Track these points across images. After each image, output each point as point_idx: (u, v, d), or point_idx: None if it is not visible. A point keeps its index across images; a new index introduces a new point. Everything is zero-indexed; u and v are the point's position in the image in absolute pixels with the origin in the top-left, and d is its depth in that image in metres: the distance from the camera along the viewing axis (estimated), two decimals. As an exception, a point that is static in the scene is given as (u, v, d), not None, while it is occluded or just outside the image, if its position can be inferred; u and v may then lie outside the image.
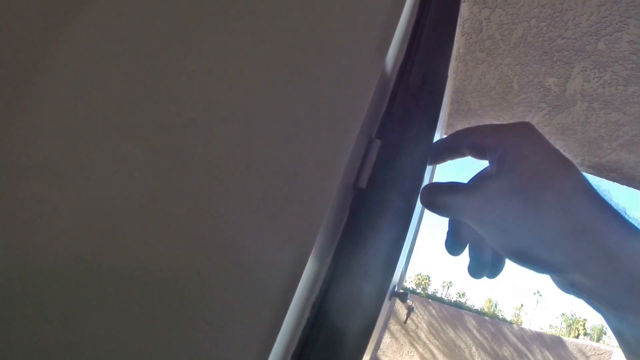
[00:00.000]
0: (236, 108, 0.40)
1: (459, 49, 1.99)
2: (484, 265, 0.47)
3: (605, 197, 0.39)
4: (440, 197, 0.43)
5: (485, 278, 0.48)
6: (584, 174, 0.41)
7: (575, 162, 2.63)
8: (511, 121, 2.38)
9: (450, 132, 2.41)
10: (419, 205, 0.44)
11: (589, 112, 2.13)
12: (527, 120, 2.32)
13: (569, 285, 0.40)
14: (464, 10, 1.73)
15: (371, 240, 0.40)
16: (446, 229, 0.48)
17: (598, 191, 0.39)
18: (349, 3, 0.43)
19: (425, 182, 0.49)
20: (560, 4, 1.54)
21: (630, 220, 0.37)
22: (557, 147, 0.42)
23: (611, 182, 2.75)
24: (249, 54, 0.42)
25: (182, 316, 0.36)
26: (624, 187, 2.75)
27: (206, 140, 0.40)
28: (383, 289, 0.41)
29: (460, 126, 2.69)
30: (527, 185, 0.39)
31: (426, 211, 2.71)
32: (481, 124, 1.90)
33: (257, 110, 0.40)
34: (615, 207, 0.38)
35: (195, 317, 0.36)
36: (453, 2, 0.53)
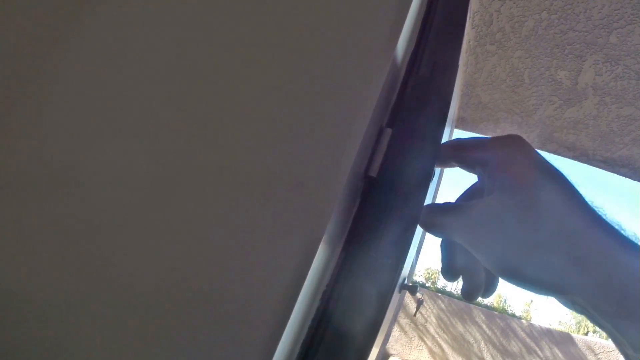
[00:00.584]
0: (248, 97, 0.41)
1: (469, 42, 1.98)
2: (478, 288, 0.46)
3: (599, 212, 0.37)
4: (434, 219, 0.43)
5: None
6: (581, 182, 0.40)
7: (587, 156, 2.61)
8: (522, 115, 2.37)
9: (461, 126, 2.40)
10: (429, 198, 0.44)
11: (601, 106, 2.11)
12: (538, 113, 2.31)
13: (570, 304, 0.39)
14: (474, 2, 1.71)
15: (382, 229, 0.40)
16: (439, 255, 0.48)
17: (592, 206, 0.38)
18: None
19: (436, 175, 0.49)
20: (572, -4, 1.53)
21: (625, 234, 0.36)
22: (546, 158, 0.41)
23: (623, 178, 2.72)
24: (260, 46, 0.42)
25: (191, 308, 0.36)
26: (636, 182, 2.72)
27: (217, 127, 0.40)
28: (393, 279, 0.41)
29: (470, 119, 2.68)
30: (519, 206, 0.38)
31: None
32: (492, 117, 1.89)
33: (269, 99, 0.40)
34: (610, 223, 0.37)
35: (205, 306, 0.36)
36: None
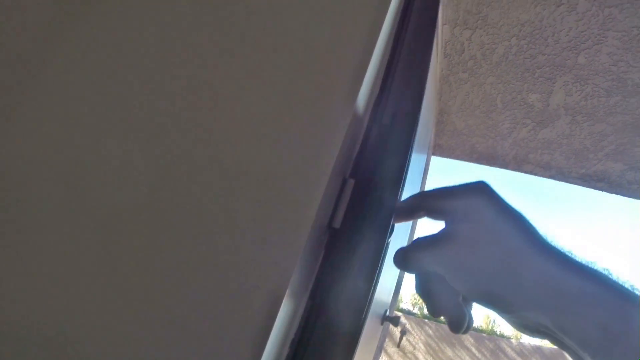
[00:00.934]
0: (211, 148, 0.41)
1: (442, 70, 2.02)
2: (464, 320, 0.47)
3: (562, 249, 0.41)
4: (409, 255, 0.44)
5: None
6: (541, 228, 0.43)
7: (563, 174, 2.65)
8: (496, 139, 2.40)
9: (438, 153, 2.42)
10: (407, 229, 0.45)
11: (573, 125, 2.16)
12: (512, 136, 2.35)
13: (536, 327, 0.42)
14: (445, 32, 1.75)
15: (346, 278, 0.40)
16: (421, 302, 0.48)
17: (552, 244, 0.41)
18: (320, 43, 0.43)
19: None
20: (540, 21, 1.57)
21: (585, 266, 0.40)
22: (511, 204, 0.44)
23: (600, 192, 2.77)
24: (223, 100, 0.42)
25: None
26: (612, 195, 2.77)
27: (181, 180, 0.40)
28: (359, 322, 0.41)
29: (447, 146, 2.72)
30: (481, 242, 0.41)
31: (417, 228, 2.71)
32: (467, 143, 1.91)
33: (232, 153, 0.41)
34: (571, 258, 0.40)
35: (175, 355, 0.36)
36: (427, 35, 0.54)
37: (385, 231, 0.41)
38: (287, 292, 0.36)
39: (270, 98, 0.42)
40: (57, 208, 0.41)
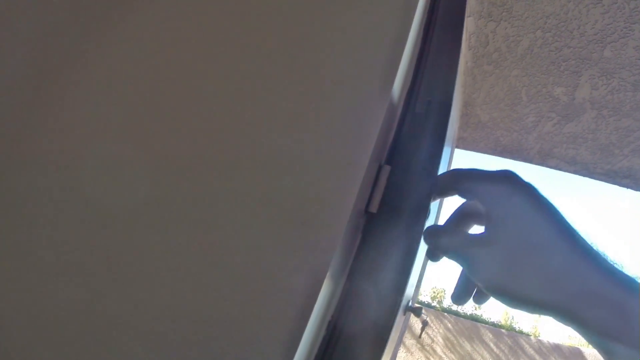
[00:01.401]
0: (252, 136, 0.42)
1: (466, 63, 2.00)
2: (468, 294, 0.49)
3: (587, 241, 0.42)
4: (442, 241, 0.45)
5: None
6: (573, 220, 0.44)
7: (588, 170, 2.62)
8: (521, 132, 2.38)
9: (461, 146, 2.41)
10: (435, 205, 0.46)
11: (599, 120, 2.13)
12: (537, 130, 2.33)
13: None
14: (470, 24, 1.74)
15: (382, 262, 0.41)
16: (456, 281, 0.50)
17: (581, 235, 0.42)
18: (354, 34, 0.44)
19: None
20: (565, 13, 1.55)
21: (604, 259, 0.41)
22: (542, 192, 0.44)
23: (625, 189, 2.73)
24: (267, 90, 0.44)
25: (198, 344, 0.38)
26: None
27: (228, 168, 0.42)
28: (394, 307, 0.42)
29: (471, 139, 2.70)
30: (514, 244, 0.42)
31: (439, 221, 2.70)
32: (491, 136, 1.90)
33: (275, 142, 0.42)
34: (596, 251, 0.41)
35: (214, 341, 0.37)
36: (456, 26, 0.54)
37: (423, 216, 0.42)
38: (328, 273, 0.37)
39: (313, 88, 0.43)
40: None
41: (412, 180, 0.43)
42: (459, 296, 0.48)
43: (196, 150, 0.42)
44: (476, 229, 0.49)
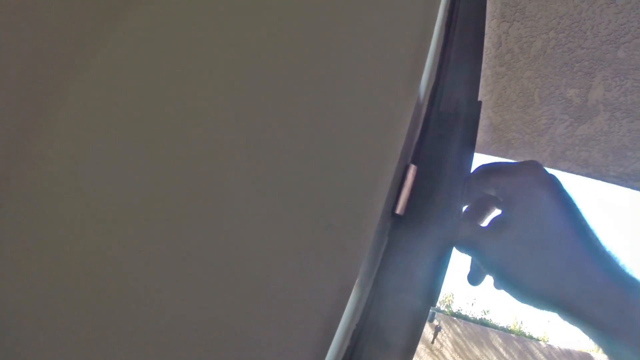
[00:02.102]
0: (278, 142, 0.41)
1: (477, 64, 1.99)
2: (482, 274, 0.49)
3: (600, 239, 0.42)
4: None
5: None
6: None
7: (600, 172, 2.60)
8: (533, 135, 2.36)
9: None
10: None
11: (612, 122, 2.11)
12: (549, 132, 2.31)
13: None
14: (481, 25, 1.73)
15: (411, 268, 0.40)
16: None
17: (595, 233, 0.42)
18: (379, 33, 0.43)
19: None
20: (578, 14, 1.54)
21: (614, 259, 0.41)
22: (560, 184, 0.45)
23: (637, 191, 2.70)
24: (290, 94, 0.43)
25: (223, 350, 0.36)
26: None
27: (250, 170, 0.40)
28: (422, 316, 0.41)
29: (482, 141, 2.68)
30: (533, 235, 0.42)
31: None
32: (503, 138, 1.88)
33: (299, 142, 0.41)
34: (608, 251, 0.41)
35: (239, 349, 0.36)
36: (478, 23, 0.53)
37: (455, 218, 0.40)
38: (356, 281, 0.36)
39: (334, 90, 0.42)
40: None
41: (442, 181, 0.42)
42: (474, 277, 0.49)
43: (217, 148, 0.41)
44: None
